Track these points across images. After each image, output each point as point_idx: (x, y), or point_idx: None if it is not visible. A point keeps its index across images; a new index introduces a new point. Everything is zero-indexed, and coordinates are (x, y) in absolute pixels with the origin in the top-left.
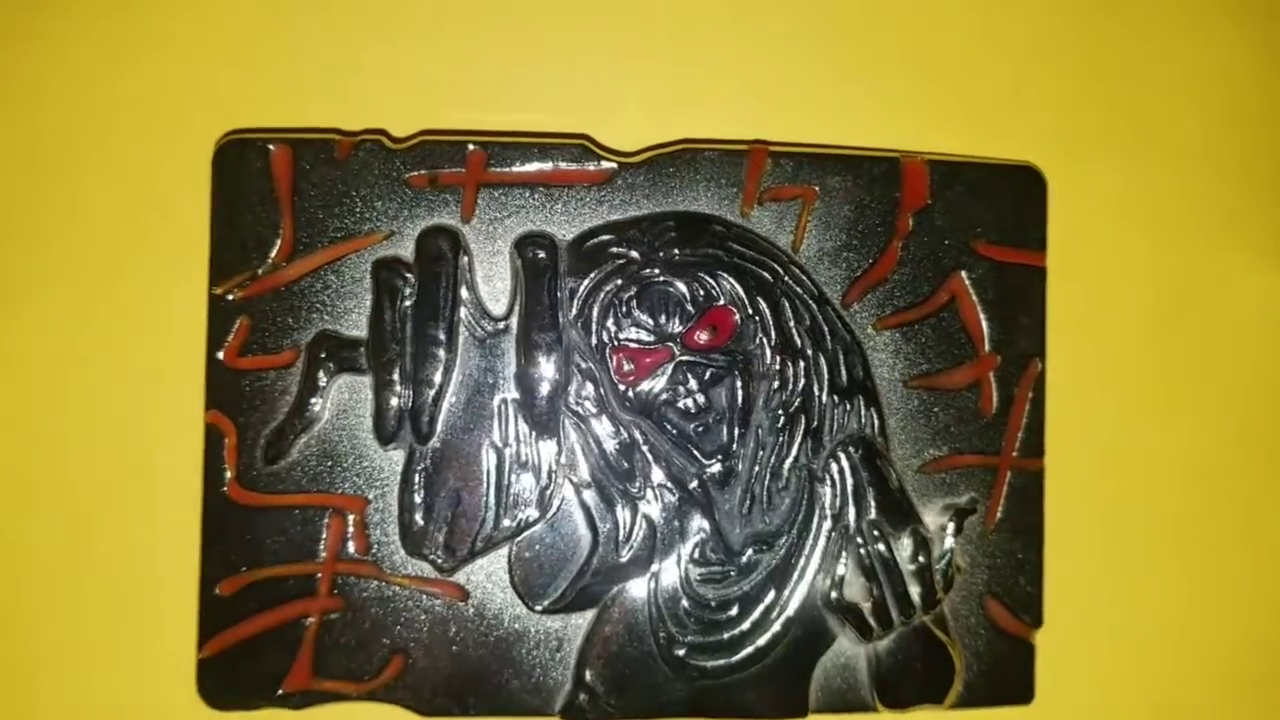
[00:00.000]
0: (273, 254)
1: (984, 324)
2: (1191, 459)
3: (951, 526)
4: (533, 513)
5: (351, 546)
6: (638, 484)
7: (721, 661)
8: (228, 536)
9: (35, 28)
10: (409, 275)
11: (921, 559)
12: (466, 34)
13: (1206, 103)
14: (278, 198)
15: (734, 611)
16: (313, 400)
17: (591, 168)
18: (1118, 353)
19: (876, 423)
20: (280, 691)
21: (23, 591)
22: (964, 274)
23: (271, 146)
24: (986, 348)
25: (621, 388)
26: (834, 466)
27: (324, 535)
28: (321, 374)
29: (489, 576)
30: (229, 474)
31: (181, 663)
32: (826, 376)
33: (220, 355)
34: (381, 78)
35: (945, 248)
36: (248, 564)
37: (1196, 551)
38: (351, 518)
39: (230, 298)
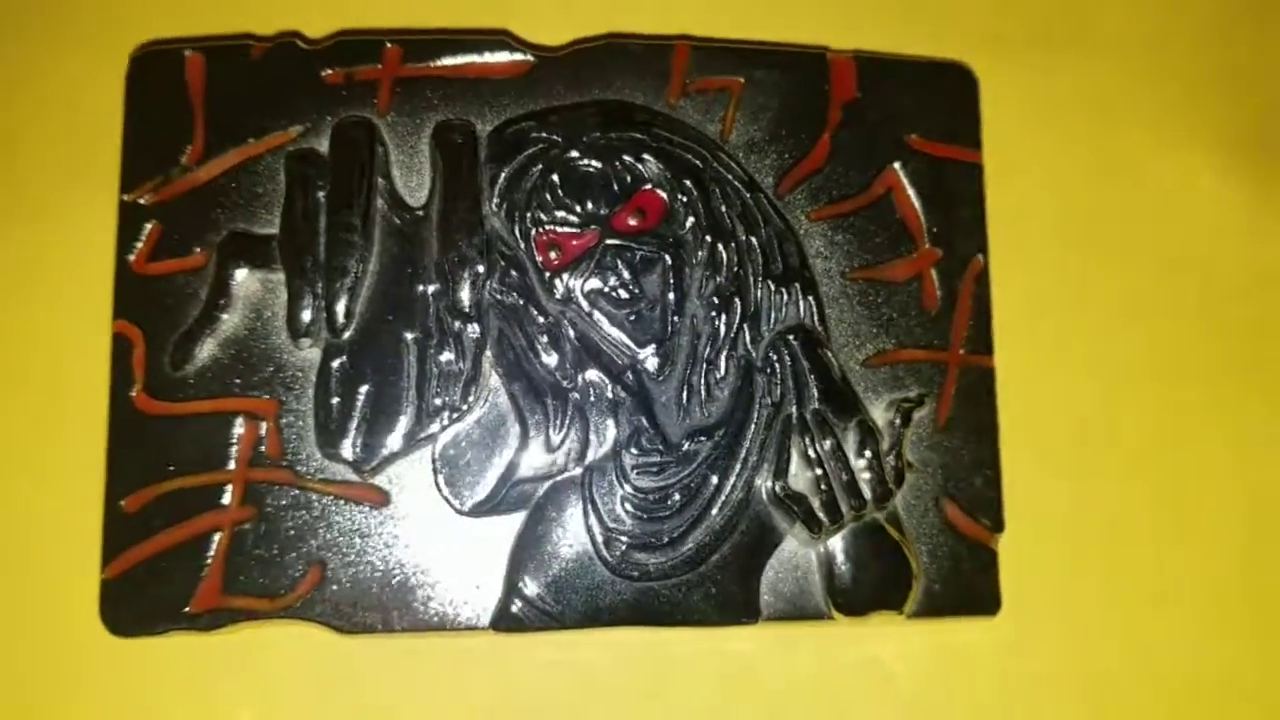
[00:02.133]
0: (184, 158)
1: (922, 218)
2: (1149, 357)
3: (899, 419)
4: (457, 407)
5: (264, 452)
6: (569, 374)
7: (662, 559)
8: (135, 449)
9: None
10: (323, 167)
11: (869, 451)
12: None
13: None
14: (191, 103)
15: (674, 503)
16: (222, 300)
17: (510, 60)
18: (1063, 251)
19: (816, 312)
20: (187, 610)
21: None
22: (899, 167)
23: (186, 54)
24: (926, 242)
25: (548, 275)
26: (773, 356)
27: (235, 441)
28: (232, 272)
29: (412, 478)
30: (137, 383)
31: (84, 585)
32: (761, 263)
33: (130, 260)
34: None
35: (878, 141)
36: (155, 477)
37: (1157, 449)
38: (265, 423)
39: (141, 203)
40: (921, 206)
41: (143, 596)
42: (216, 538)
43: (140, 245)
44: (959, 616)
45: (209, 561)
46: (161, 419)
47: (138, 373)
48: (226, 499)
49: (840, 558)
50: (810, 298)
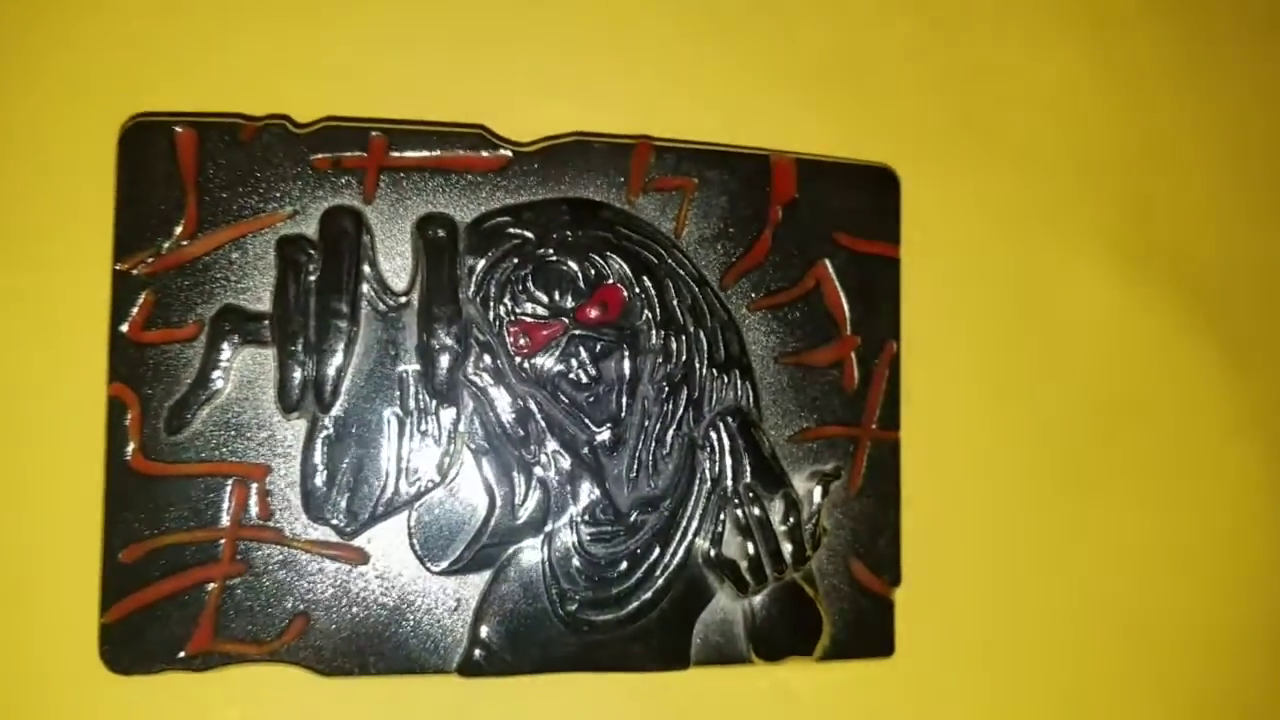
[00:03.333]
0: (177, 231)
1: (846, 308)
2: (1032, 433)
3: (819, 490)
4: (432, 478)
5: (254, 513)
6: (532, 450)
7: (610, 616)
8: (131, 505)
9: None
10: (313, 252)
11: (792, 519)
12: (371, 25)
13: (1045, 108)
14: (182, 178)
15: (622, 568)
16: (215, 372)
17: (487, 155)
18: (966, 337)
19: (751, 395)
20: (182, 654)
21: None
22: (828, 262)
23: (178, 129)
24: (849, 329)
25: (518, 360)
26: (713, 435)
27: (227, 503)
28: (225, 346)
29: (390, 540)
30: (132, 444)
31: (84, 628)
32: (706, 351)
33: (124, 329)
34: (285, 67)
35: (811, 238)
36: (151, 531)
37: (1037, 513)
38: (254, 485)
39: (135, 273)
40: (846, 297)
41: (141, 639)
42: (209, 588)
43: (135, 313)
44: (860, 659)
45: (203, 610)
46: (157, 479)
47: (133, 434)
48: (219, 554)
49: (761, 612)
50: (747, 382)
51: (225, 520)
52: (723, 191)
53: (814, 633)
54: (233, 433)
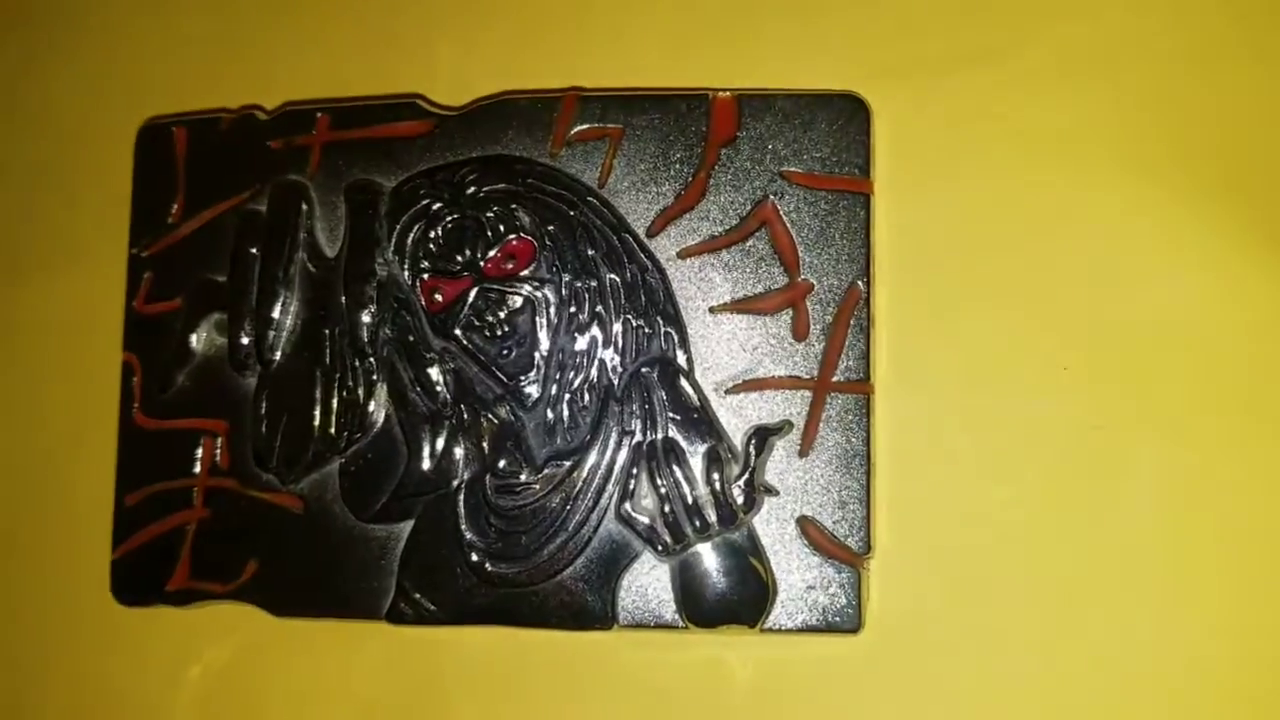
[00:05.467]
0: (170, 216)
1: (800, 250)
2: (1027, 379)
3: (754, 445)
4: (356, 430)
5: (219, 463)
6: (446, 403)
7: (518, 568)
8: (135, 456)
9: None
10: (260, 224)
11: (715, 475)
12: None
13: (1035, 20)
14: (176, 169)
15: (531, 521)
16: (190, 336)
17: (417, 122)
18: (955, 278)
19: (677, 344)
20: (167, 589)
21: None
22: (775, 201)
23: (173, 128)
24: (801, 274)
25: (432, 315)
26: (631, 387)
27: (199, 454)
28: (196, 313)
29: (324, 488)
30: (135, 404)
31: (100, 564)
32: (624, 300)
33: (134, 303)
34: (261, 61)
35: (756, 178)
36: (147, 479)
37: (1033, 478)
38: (219, 438)
39: (143, 255)
40: (799, 239)
41: (140, 575)
42: (187, 530)
43: (140, 290)
44: (819, 634)
45: (182, 550)
46: (153, 432)
47: (137, 394)
48: (193, 500)
49: (692, 573)
50: (671, 330)
51: (197, 469)
52: (653, 136)
53: (756, 601)
54: (204, 390)
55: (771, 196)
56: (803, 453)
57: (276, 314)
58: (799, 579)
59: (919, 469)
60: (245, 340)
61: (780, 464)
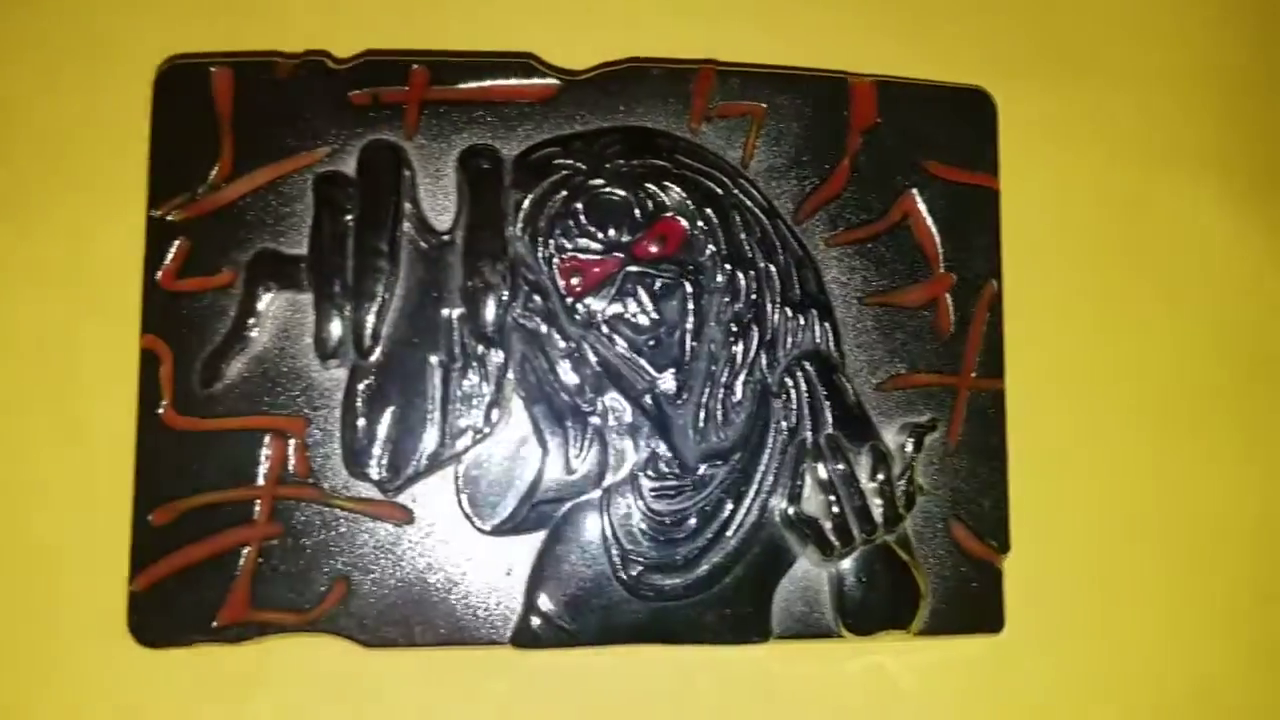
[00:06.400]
0: (212, 175)
1: (938, 243)
2: (1150, 381)
3: (911, 443)
4: (480, 429)
5: (292, 469)
6: (588, 399)
7: (677, 580)
8: (163, 463)
9: None
10: (351, 190)
11: (881, 475)
12: None
13: (1153, 22)
14: (218, 120)
15: (690, 527)
16: (251, 320)
17: (536, 84)
18: (1073, 275)
19: (831, 338)
20: (215, 624)
21: None
22: (916, 193)
23: (213, 69)
24: (941, 267)
25: (569, 300)
26: (789, 381)
27: (263, 459)
28: (261, 292)
29: (436, 497)
30: (165, 399)
31: (112, 596)
32: (779, 289)
33: (158, 277)
34: (325, 2)
35: (896, 167)
36: (183, 491)
37: (1163, 473)
38: (292, 440)
39: (169, 219)
40: (938, 232)
41: (171, 609)
42: (245, 552)
43: (168, 262)
44: (964, 635)
45: (237, 575)
46: (190, 435)
47: (166, 388)
48: (254, 514)
49: (850, 579)
50: (826, 323)
51: (262, 478)
52: (795, 117)
53: (910, 604)
54: (269, 384)
55: (913, 187)
56: (949, 450)
57: (379, 294)
58: (945, 579)
59: (1050, 465)
60: (337, 324)
61: (926, 462)
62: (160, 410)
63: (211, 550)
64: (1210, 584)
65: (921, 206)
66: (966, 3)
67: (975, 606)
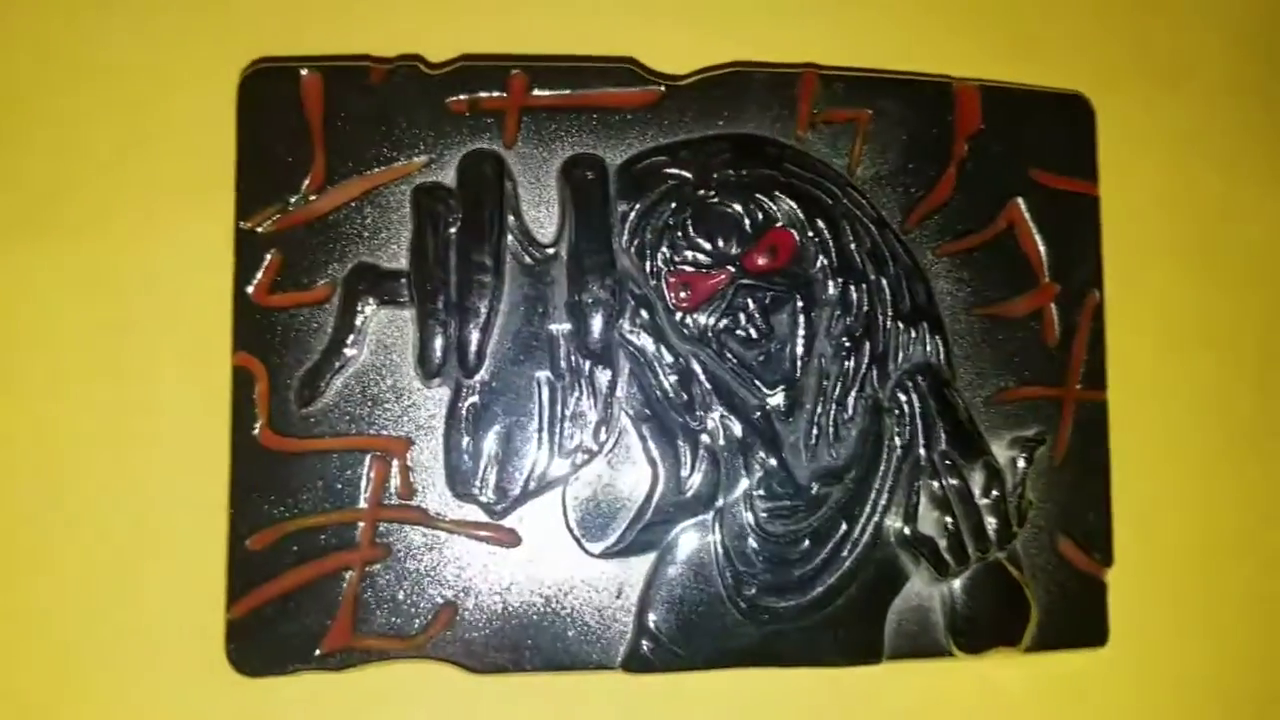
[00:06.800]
0: (304, 185)
1: (1043, 252)
2: (1255, 390)
3: (1022, 458)
4: (588, 449)
5: (395, 491)
6: (698, 416)
7: (793, 602)
8: (259, 486)
9: None
10: (452, 202)
11: (995, 491)
12: None
13: (1245, 34)
14: (309, 127)
15: (804, 548)
16: (350, 337)
17: (638, 90)
18: (1174, 285)
19: (942, 351)
20: (318, 652)
21: (40, 552)
22: (1021, 201)
23: (303, 73)
24: (1046, 276)
25: (678, 315)
26: (901, 396)
27: (365, 481)
28: (360, 308)
29: (543, 519)
30: (260, 419)
31: (209, 624)
32: (890, 301)
33: (249, 291)
34: (416, 2)
35: (1002, 174)
36: (281, 515)
37: (1267, 484)
38: (395, 461)
39: (259, 231)
40: (1042, 240)
41: (271, 636)
42: (347, 576)
43: (260, 276)
44: (1070, 649)
45: (340, 601)
46: (288, 455)
47: (261, 408)
48: (357, 538)
49: (962, 597)
50: (937, 336)
51: (363, 500)
52: (900, 123)
53: (1021, 620)
54: (370, 403)
55: (1019, 195)
56: (1055, 464)
57: (484, 310)
58: (1052, 594)
59: (1152, 477)
60: (441, 341)
61: (1034, 475)
62: (255, 430)
63: (312, 575)
64: None
65: (1026, 214)
66: (1065, 8)
67: (1081, 621)
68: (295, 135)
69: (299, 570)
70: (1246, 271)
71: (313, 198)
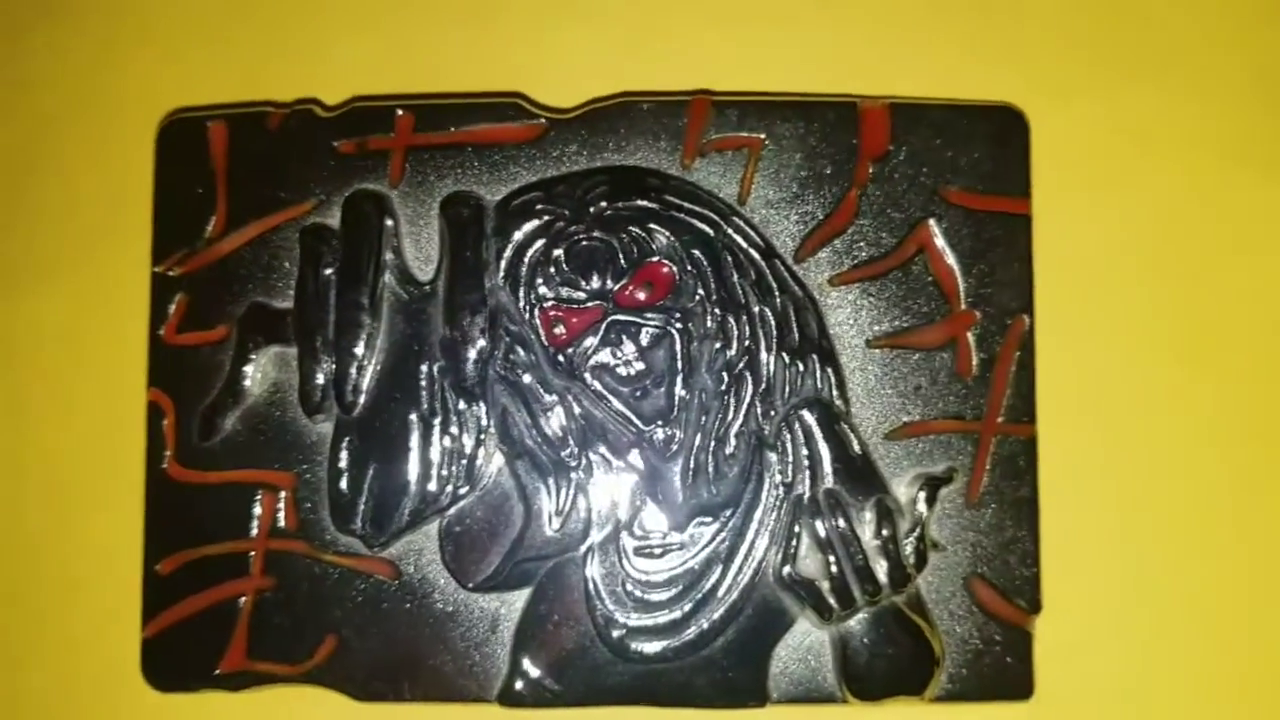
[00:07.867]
0: (208, 230)
1: (958, 278)
2: (1204, 417)
3: (923, 497)
4: (462, 485)
5: (283, 523)
6: (572, 453)
7: (664, 645)
8: (167, 515)
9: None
10: (335, 242)
11: (886, 532)
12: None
13: (1193, 38)
14: (214, 173)
15: (677, 590)
16: (243, 373)
17: (521, 125)
18: (1119, 307)
19: (834, 384)
20: (217, 672)
21: None
22: (933, 224)
23: (209, 123)
24: (962, 304)
25: (552, 351)
26: (786, 432)
27: (257, 512)
28: (251, 346)
29: (420, 553)
30: (168, 452)
31: (127, 643)
32: (775, 334)
33: (161, 332)
34: (317, 48)
35: (911, 196)
36: (186, 542)
37: (1212, 526)
38: (283, 494)
39: (171, 274)
40: (958, 265)
41: (179, 655)
42: (242, 603)
43: (170, 316)
44: (989, 701)
45: (236, 626)
46: (191, 487)
47: (169, 441)
48: (249, 566)
49: (855, 642)
50: (829, 369)
51: (255, 530)
52: (798, 148)
53: (924, 669)
54: (261, 438)
55: (930, 218)
56: (970, 503)
57: (360, 348)
58: (966, 642)
59: (1085, 517)
60: (321, 379)
61: (943, 516)
62: (164, 464)
63: (211, 600)
64: (1257, 649)
65: (939, 238)
66: (992, 14)
67: (1001, 671)
68: (202, 182)
69: (202, 595)
70: (1195, 290)
71: (215, 241)
